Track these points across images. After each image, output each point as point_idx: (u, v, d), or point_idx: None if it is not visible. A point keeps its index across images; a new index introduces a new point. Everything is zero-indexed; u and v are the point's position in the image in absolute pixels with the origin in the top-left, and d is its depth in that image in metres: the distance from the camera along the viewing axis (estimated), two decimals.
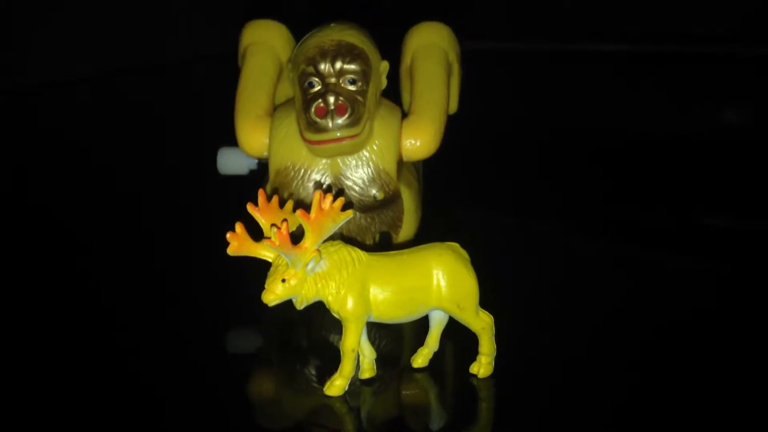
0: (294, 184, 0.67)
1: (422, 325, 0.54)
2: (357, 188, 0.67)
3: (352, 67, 0.65)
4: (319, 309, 0.52)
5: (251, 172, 0.76)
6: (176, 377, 0.55)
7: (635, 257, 0.74)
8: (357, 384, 0.53)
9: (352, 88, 0.65)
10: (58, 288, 0.69)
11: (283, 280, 0.48)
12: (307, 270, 0.49)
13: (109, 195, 0.91)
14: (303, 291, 0.49)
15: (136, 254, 0.75)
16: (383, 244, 0.68)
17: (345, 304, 0.50)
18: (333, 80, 0.65)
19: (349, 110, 0.63)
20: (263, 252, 0.49)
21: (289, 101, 0.71)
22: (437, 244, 0.52)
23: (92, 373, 0.56)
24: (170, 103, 1.28)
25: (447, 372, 0.55)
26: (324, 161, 0.67)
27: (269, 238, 0.47)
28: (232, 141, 0.74)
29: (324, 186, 0.67)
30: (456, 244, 0.53)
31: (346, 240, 0.52)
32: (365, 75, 0.65)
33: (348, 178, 0.67)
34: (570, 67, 1.41)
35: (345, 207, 0.49)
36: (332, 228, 0.48)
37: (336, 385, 0.51)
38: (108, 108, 1.27)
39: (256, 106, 0.71)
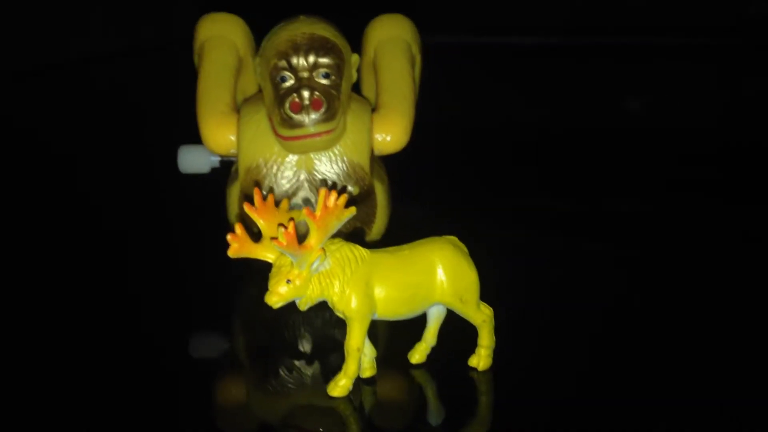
0: (266, 181, 0.66)
1: (419, 320, 0.53)
2: (330, 184, 0.66)
3: (326, 60, 0.64)
4: (291, 308, 0.50)
5: (213, 170, 0.74)
6: (141, 381, 0.54)
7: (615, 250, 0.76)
8: (358, 383, 0.52)
9: (325, 82, 0.64)
10: (18, 287, 0.66)
11: (288, 281, 0.47)
12: (312, 270, 0.47)
13: (64, 196, 0.88)
14: (308, 291, 0.48)
15: (95, 256, 0.73)
16: (354, 240, 0.67)
17: (350, 304, 0.49)
18: (306, 74, 0.63)
19: (325, 105, 0.62)
20: (264, 253, 0.48)
21: (255, 96, 0.70)
22: (436, 238, 0.52)
23: (55, 374, 0.54)
24: (123, 100, 1.22)
25: (445, 366, 0.54)
26: (296, 157, 0.66)
27: (276, 238, 0.46)
28: (191, 139, 0.72)
29: (297, 183, 0.66)
30: (454, 238, 0.52)
31: (345, 237, 0.51)
32: (339, 69, 0.64)
33: (322, 174, 0.66)
34: (489, 60, 1.42)
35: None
36: (336, 226, 0.47)
37: (341, 386, 0.50)
38: (57, 105, 1.21)
39: (219, 103, 0.69)
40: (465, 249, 0.52)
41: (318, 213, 0.46)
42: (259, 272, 0.55)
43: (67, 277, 0.69)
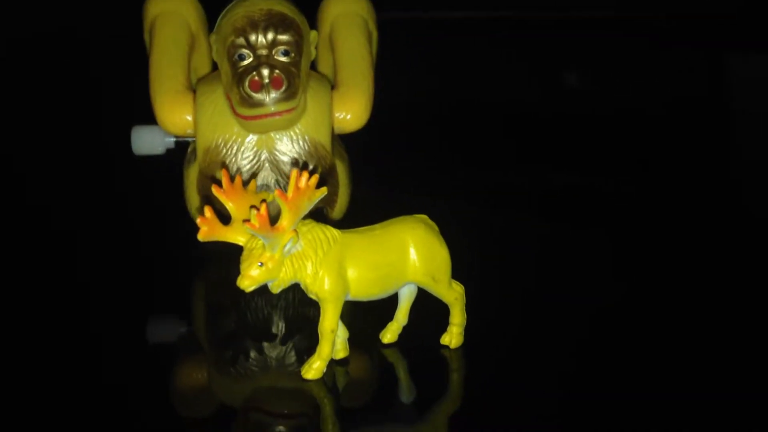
0: (226, 162, 0.64)
1: (390, 300, 0.53)
2: (293, 164, 0.65)
3: (285, 37, 0.62)
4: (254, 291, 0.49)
5: (168, 151, 0.72)
6: (100, 366, 0.53)
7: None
8: (331, 364, 0.51)
9: (284, 59, 0.62)
10: None
11: (260, 264, 0.46)
12: (285, 252, 0.47)
13: (13, 180, 0.85)
14: (281, 274, 0.47)
15: (49, 242, 0.71)
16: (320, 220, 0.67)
17: (323, 285, 0.48)
18: (265, 52, 0.62)
19: (285, 83, 0.61)
20: (235, 236, 0.47)
21: (211, 75, 0.68)
22: (407, 217, 0.51)
23: (9, 360, 0.53)
24: (70, 79, 1.18)
25: (418, 345, 0.54)
26: (256, 137, 0.64)
27: (248, 220, 0.45)
28: (144, 119, 0.70)
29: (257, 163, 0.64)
30: (425, 216, 0.52)
31: (315, 218, 0.50)
32: (298, 46, 0.63)
33: (284, 154, 0.65)
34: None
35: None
36: (308, 207, 0.47)
37: (315, 368, 0.49)
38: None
39: (174, 81, 0.67)
40: (436, 227, 0.52)
41: (290, 194, 0.45)
42: (219, 254, 0.55)
43: (21, 264, 0.67)
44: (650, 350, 0.54)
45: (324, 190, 0.47)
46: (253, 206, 0.46)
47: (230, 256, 0.49)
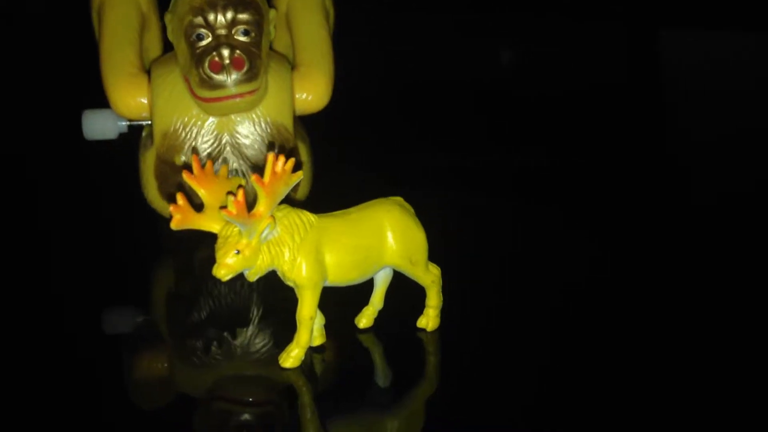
0: (186, 146, 0.62)
1: (365, 284, 0.52)
2: (256, 146, 0.63)
3: (245, 16, 0.61)
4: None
5: (121, 136, 0.69)
6: (57, 360, 0.51)
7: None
8: (308, 352, 0.50)
9: (244, 39, 0.61)
10: None
11: (237, 252, 0.45)
12: (261, 238, 0.45)
13: None
14: (258, 261, 0.45)
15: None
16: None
17: (301, 272, 0.47)
18: (224, 32, 0.60)
19: (247, 64, 0.59)
20: (209, 223, 0.45)
21: (167, 56, 0.66)
22: (383, 199, 0.50)
23: None
24: (17, 61, 1.12)
25: (394, 329, 0.53)
26: (216, 120, 0.63)
27: (225, 207, 0.43)
28: (95, 103, 0.67)
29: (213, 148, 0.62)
30: (400, 198, 0.51)
31: (292, 204, 0.49)
32: (258, 25, 0.61)
33: (246, 137, 0.63)
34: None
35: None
36: (285, 192, 0.45)
37: (293, 356, 0.48)
38: None
39: (127, 64, 0.65)
40: (411, 209, 0.51)
41: (267, 179, 0.44)
42: (179, 241, 0.52)
43: None
44: (626, 332, 0.54)
45: (300, 174, 0.46)
46: (230, 192, 0.44)
47: (190, 242, 0.47)
